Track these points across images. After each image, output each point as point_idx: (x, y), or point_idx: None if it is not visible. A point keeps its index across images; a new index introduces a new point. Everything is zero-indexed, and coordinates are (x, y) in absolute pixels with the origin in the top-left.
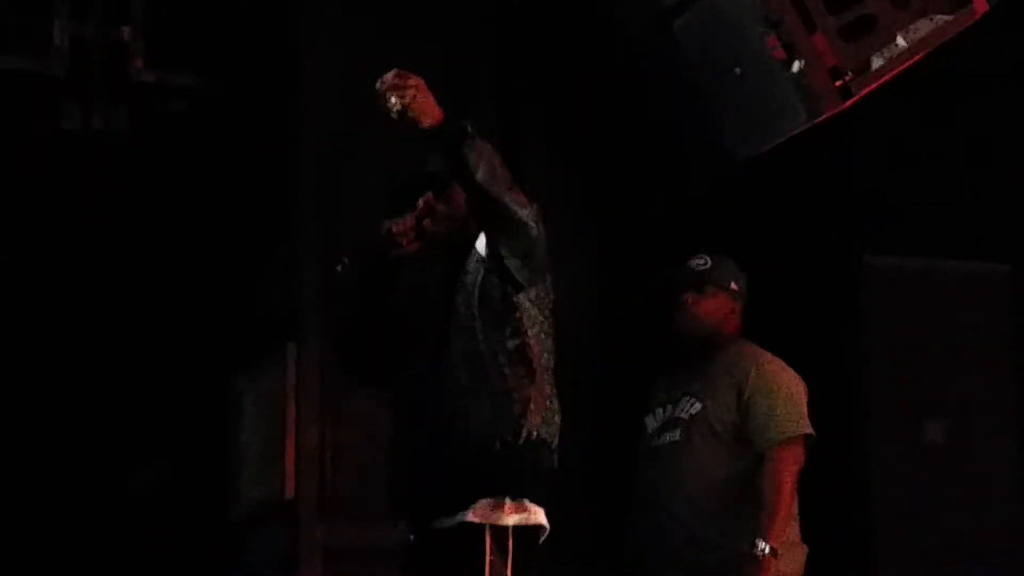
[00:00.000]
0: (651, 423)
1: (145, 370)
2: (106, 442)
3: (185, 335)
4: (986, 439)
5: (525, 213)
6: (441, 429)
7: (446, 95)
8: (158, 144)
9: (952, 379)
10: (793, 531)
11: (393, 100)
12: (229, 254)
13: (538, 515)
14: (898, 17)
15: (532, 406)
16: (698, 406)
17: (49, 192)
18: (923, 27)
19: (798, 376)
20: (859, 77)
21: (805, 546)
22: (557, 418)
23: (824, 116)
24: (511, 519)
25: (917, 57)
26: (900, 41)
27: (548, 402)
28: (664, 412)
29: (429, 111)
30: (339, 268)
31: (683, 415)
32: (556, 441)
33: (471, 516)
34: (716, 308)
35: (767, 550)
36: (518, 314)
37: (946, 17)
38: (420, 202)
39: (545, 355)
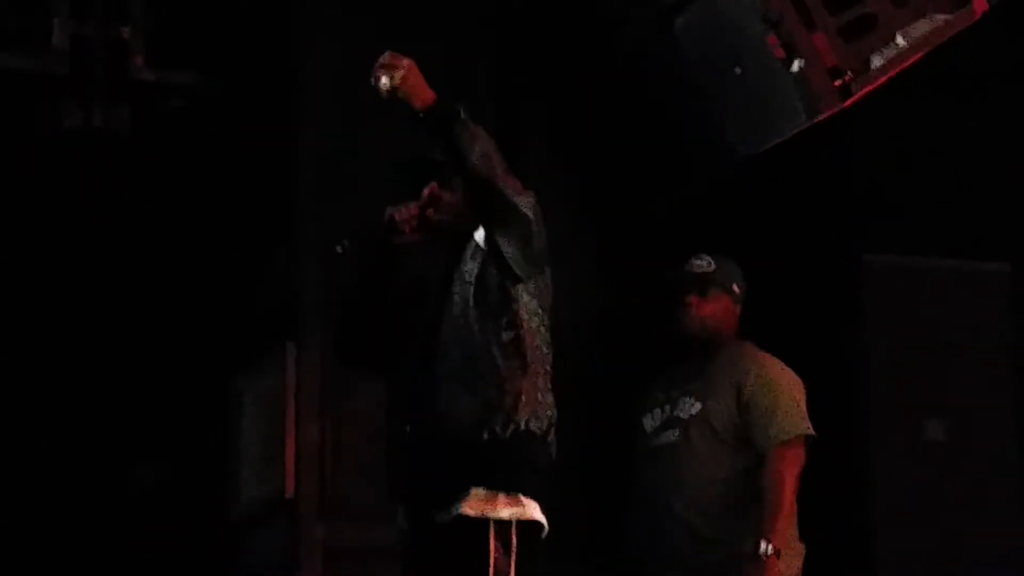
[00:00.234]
0: (649, 423)
1: (145, 369)
2: (106, 441)
3: (185, 334)
4: (986, 438)
5: (521, 200)
6: (433, 419)
7: (446, 95)
8: (159, 143)
9: (952, 378)
10: (792, 530)
11: (384, 80)
12: (229, 253)
13: (533, 509)
14: (898, 16)
15: (523, 399)
16: (698, 406)
17: (50, 191)
18: (923, 27)
19: (797, 376)
20: (859, 76)
21: (803, 545)
22: (550, 412)
23: (824, 115)
24: (505, 512)
25: (917, 57)
26: (900, 40)
27: (540, 396)
28: (663, 412)
29: (420, 92)
30: (339, 249)
31: (682, 415)
32: (551, 436)
33: (467, 509)
34: (718, 310)
35: (770, 550)
36: (515, 306)
37: (946, 17)
38: (424, 191)
39: (543, 348)
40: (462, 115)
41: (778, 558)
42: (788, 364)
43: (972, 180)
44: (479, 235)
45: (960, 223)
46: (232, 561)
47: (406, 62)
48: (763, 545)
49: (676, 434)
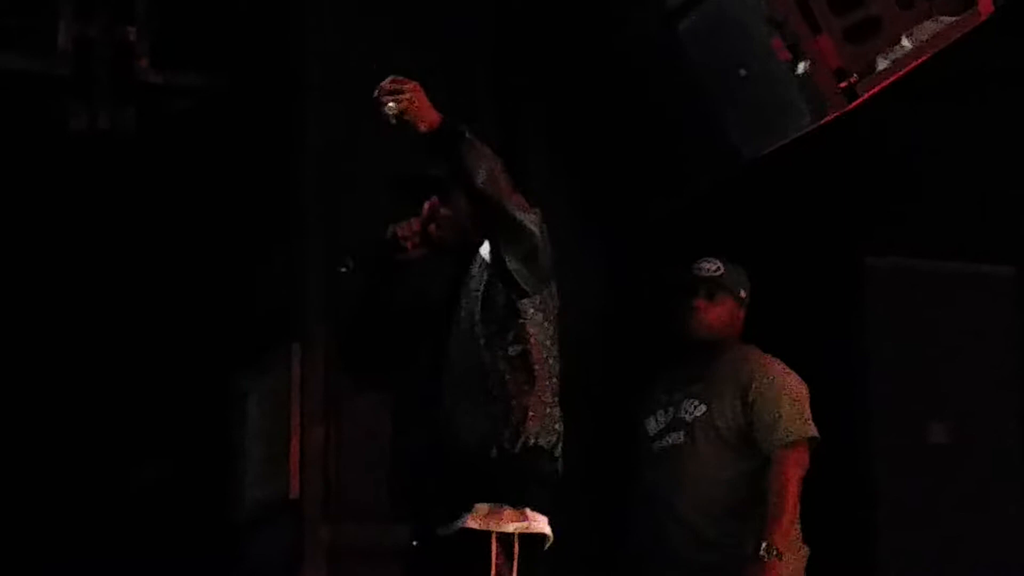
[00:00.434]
0: (652, 425)
1: (149, 368)
2: (109, 440)
3: (189, 333)
4: (990, 440)
5: (527, 217)
6: (440, 434)
7: (446, 96)
8: (164, 144)
9: (956, 380)
10: (795, 533)
11: (390, 106)
12: (233, 252)
13: (540, 523)
14: (903, 18)
15: (531, 413)
16: (702, 408)
17: (56, 193)
18: (928, 29)
19: (801, 379)
20: (864, 79)
21: (807, 547)
22: (558, 426)
23: (829, 117)
24: (511, 526)
25: (922, 59)
26: (905, 43)
27: (548, 409)
28: (666, 414)
29: (425, 115)
30: (343, 270)
31: (687, 417)
32: (559, 449)
33: (471, 522)
34: (724, 314)
35: (773, 552)
36: (521, 320)
37: (951, 19)
38: (425, 206)
39: (550, 361)
40: (467, 135)
41: (780, 560)
42: (791, 367)
43: (976, 183)
44: (484, 250)
45: (964, 226)
46: (236, 561)
47: (410, 85)
48: (764, 547)
49: (681, 436)
